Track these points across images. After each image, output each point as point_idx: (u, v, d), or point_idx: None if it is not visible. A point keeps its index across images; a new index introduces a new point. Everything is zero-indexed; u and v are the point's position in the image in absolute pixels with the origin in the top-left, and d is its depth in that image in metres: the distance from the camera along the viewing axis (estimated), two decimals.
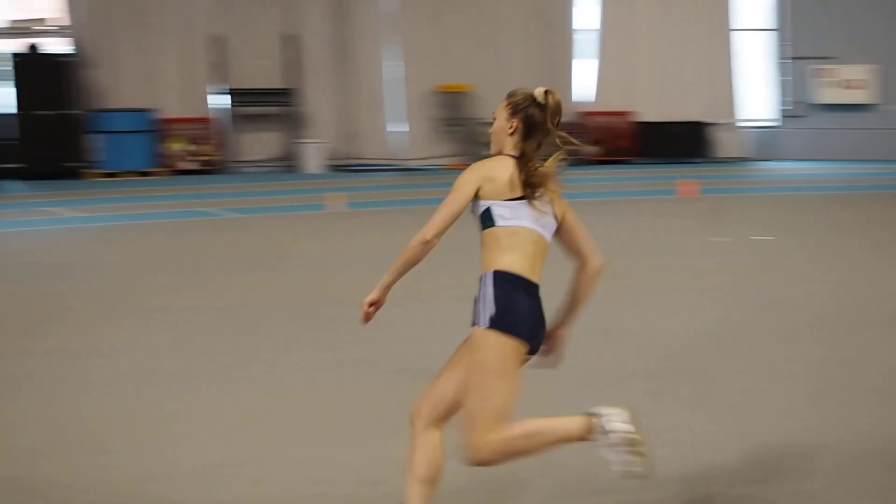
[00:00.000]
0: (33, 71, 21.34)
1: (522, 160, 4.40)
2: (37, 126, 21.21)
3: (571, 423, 4.35)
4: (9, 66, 21.37)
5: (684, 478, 5.37)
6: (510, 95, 4.50)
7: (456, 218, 4.35)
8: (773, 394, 6.87)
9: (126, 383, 7.38)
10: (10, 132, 21.14)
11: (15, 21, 21.51)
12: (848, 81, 24.44)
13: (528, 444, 4.35)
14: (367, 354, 7.83)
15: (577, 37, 24.46)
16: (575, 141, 4.46)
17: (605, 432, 4.28)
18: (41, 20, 21.17)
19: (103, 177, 21.19)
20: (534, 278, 4.37)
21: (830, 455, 5.71)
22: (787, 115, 25.09)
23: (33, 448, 6.02)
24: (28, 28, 21.08)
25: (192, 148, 22.34)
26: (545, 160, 4.43)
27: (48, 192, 19.23)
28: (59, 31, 21.95)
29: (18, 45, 21.82)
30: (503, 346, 4.28)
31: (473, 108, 22.83)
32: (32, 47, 21.69)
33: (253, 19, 22.71)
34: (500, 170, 4.39)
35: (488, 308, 4.30)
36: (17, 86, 21.34)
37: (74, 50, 21.76)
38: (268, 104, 22.80)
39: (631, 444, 4.26)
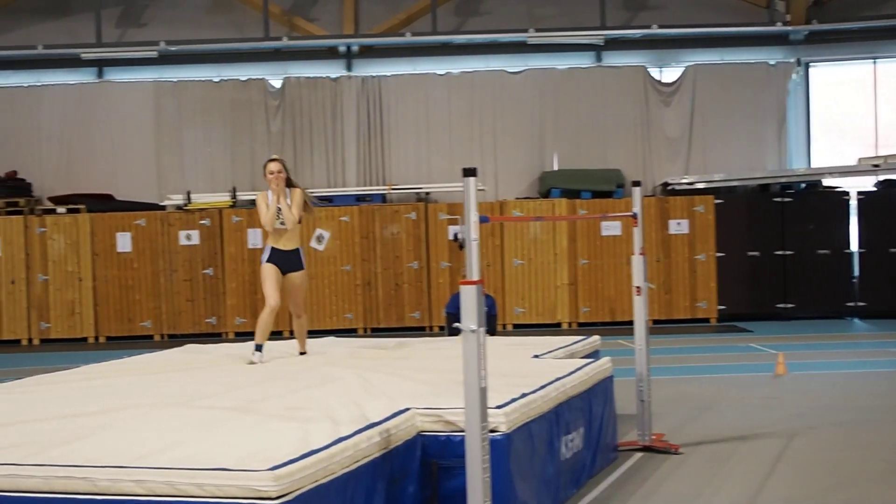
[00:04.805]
0: (878, 208, 21.20)
1: None
2: (879, 264, 21.03)
3: None
4: (853, 203, 21.36)
5: None
6: None
7: None
8: None
9: None
10: (851, 270, 21.28)
11: (863, 158, 21.45)
12: None
13: None
14: None
15: None
16: None
17: None
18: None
19: None
20: None
21: None
22: None
23: None
24: (877, 165, 20.90)
25: None
26: None
27: (893, 332, 18.60)
28: None
29: (865, 181, 21.92)
30: None
31: None
32: (883, 182, 21.54)
33: None
34: None
35: None
36: (860, 223, 21.19)
37: None
38: None
39: None
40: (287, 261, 10.31)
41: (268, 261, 10.29)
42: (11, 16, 23.14)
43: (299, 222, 10.35)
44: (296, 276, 10.37)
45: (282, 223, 10.22)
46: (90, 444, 5.95)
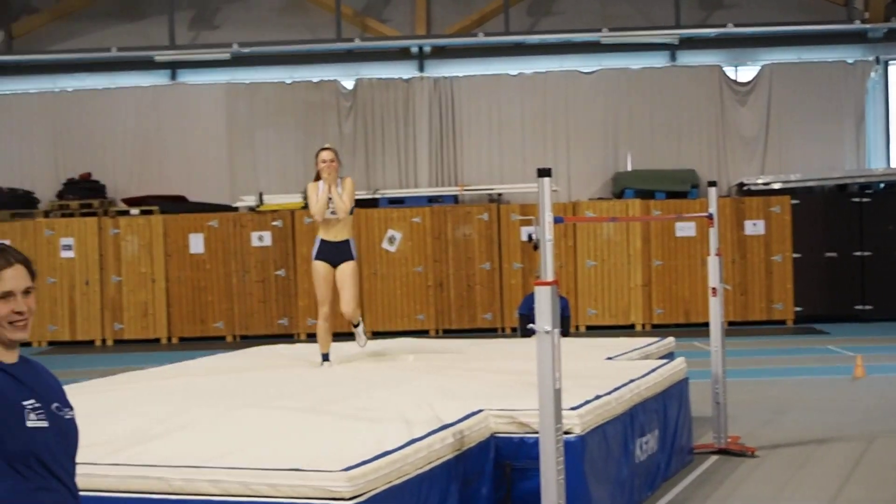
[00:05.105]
0: None
1: None
2: None
3: None
4: None
5: None
6: None
7: None
8: None
9: None
10: None
11: None
12: None
13: None
14: None
15: None
16: None
17: None
18: None
19: None
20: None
21: None
22: None
23: None
24: None
25: None
26: None
27: None
28: None
29: None
30: None
31: None
32: None
33: None
34: None
35: None
36: None
37: None
38: None
39: None
40: (337, 253, 10.06)
41: (317, 257, 10.10)
42: (86, 19, 23.47)
43: (351, 213, 10.14)
44: (345, 266, 10.04)
45: (332, 212, 9.99)
46: (165, 444, 5.99)
